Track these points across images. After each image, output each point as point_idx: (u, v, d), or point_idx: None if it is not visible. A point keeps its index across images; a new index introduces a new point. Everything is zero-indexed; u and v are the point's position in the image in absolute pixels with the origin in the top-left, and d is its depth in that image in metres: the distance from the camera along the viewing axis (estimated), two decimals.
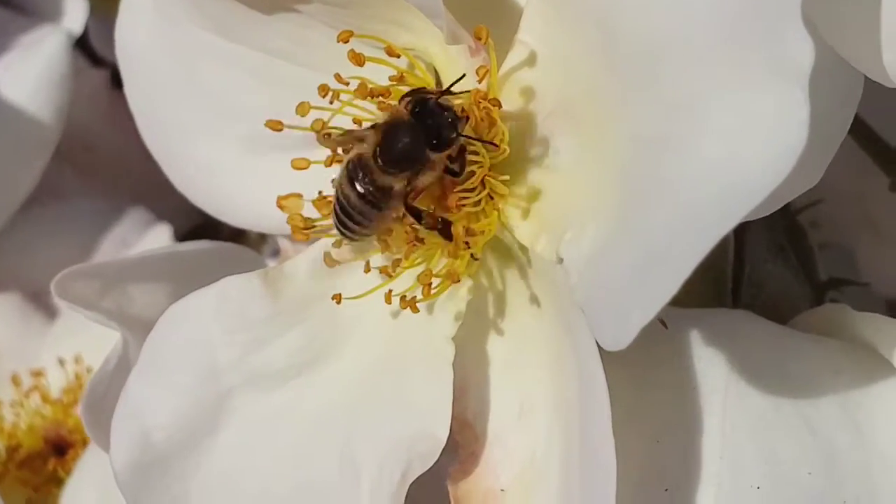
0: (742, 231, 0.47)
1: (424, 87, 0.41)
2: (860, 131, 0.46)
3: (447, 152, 0.39)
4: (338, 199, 0.41)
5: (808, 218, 0.57)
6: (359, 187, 0.40)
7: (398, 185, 0.40)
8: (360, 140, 0.41)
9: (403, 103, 0.40)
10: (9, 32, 0.64)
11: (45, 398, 0.62)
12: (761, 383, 0.41)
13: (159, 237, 0.64)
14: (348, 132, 0.41)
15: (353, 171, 0.40)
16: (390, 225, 0.41)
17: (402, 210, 0.40)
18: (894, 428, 0.41)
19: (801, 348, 0.42)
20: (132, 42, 0.49)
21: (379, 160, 0.40)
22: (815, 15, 0.37)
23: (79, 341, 0.61)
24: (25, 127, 0.63)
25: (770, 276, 0.48)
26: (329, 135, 0.42)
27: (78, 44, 0.66)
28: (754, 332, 0.43)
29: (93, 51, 0.70)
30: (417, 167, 0.39)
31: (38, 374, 0.63)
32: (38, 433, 0.62)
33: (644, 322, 0.33)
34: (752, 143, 0.32)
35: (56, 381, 0.63)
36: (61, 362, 0.62)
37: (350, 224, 0.41)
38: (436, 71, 0.42)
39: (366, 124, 0.42)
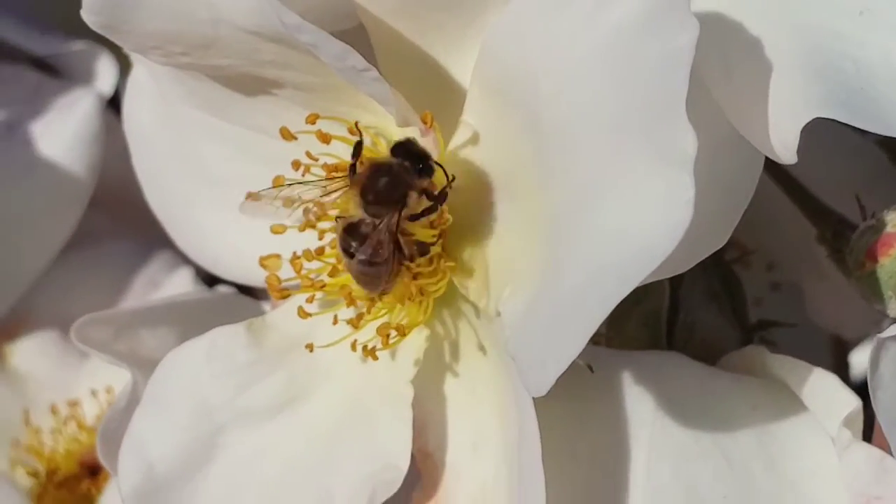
0: (679, 280, 0.51)
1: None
2: (790, 185, 0.51)
3: (426, 184, 0.43)
4: (352, 274, 0.45)
5: (765, 260, 0.62)
6: (359, 255, 0.43)
7: (387, 218, 0.43)
8: (338, 205, 0.45)
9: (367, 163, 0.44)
10: (46, 95, 0.67)
11: (81, 426, 0.66)
12: (685, 418, 0.44)
13: (183, 279, 0.67)
14: (319, 202, 0.46)
15: (345, 242, 0.44)
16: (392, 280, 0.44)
17: (393, 253, 0.44)
18: (804, 460, 0.44)
19: (723, 386, 0.46)
20: (137, 120, 0.55)
21: (370, 197, 0.43)
22: (720, 99, 0.42)
23: (109, 374, 0.64)
24: (62, 182, 0.65)
25: (702, 321, 0.51)
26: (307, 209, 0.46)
27: (110, 102, 0.69)
28: (681, 372, 0.46)
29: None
30: (404, 197, 0.43)
31: (73, 404, 0.66)
32: (74, 458, 0.66)
33: (558, 372, 0.38)
34: (646, 219, 0.37)
35: (90, 410, 0.66)
36: (94, 393, 0.66)
37: (370, 287, 0.45)
38: None
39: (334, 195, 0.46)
